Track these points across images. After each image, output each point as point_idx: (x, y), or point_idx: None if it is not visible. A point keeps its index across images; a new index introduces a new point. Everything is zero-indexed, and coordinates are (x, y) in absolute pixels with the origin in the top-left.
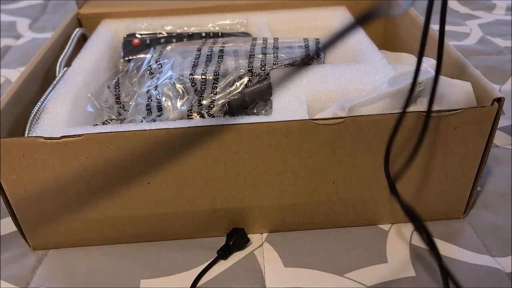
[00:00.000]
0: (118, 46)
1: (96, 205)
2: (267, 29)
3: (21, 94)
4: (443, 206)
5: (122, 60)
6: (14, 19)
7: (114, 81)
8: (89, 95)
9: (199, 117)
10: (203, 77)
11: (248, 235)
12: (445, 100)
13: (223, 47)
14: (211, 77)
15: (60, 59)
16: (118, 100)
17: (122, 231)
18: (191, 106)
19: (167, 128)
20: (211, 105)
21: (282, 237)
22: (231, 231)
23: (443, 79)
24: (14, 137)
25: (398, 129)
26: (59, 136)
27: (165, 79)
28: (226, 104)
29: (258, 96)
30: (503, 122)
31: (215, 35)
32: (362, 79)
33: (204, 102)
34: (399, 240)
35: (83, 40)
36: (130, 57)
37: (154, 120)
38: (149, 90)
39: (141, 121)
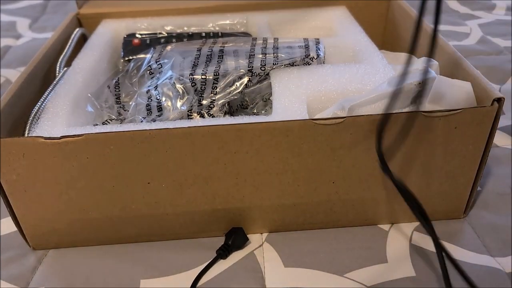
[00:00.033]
0: (118, 46)
1: (96, 205)
2: (267, 29)
3: (21, 94)
4: (443, 206)
5: (122, 60)
6: (14, 19)
7: (114, 81)
8: (89, 95)
9: (199, 117)
10: (203, 77)
11: (248, 235)
12: (445, 100)
13: (223, 47)
14: (211, 77)
15: (60, 59)
16: (118, 100)
17: (122, 231)
18: (191, 106)
19: (167, 128)
20: (211, 105)
21: (282, 237)
22: (229, 230)
23: (443, 79)
24: (14, 137)
25: (394, 102)
26: (59, 136)
27: (165, 79)
28: (226, 104)
29: (258, 96)
30: (503, 122)
31: (215, 35)
32: (362, 79)
33: (204, 102)
34: (399, 240)
35: (83, 40)
36: (130, 57)
37: (154, 120)
38: (149, 90)
39: (141, 121)
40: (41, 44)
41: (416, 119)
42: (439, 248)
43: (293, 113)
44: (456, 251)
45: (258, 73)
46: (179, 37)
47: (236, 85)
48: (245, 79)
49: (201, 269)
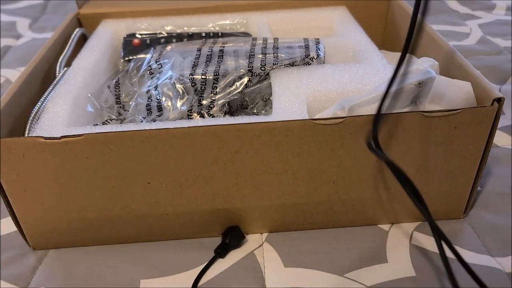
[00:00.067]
0: (118, 46)
1: (96, 205)
2: (267, 29)
3: (21, 94)
4: (443, 206)
5: (122, 60)
6: (14, 19)
7: (114, 81)
8: (89, 95)
9: (199, 117)
10: (203, 77)
11: (248, 235)
12: (445, 100)
13: (223, 47)
14: (211, 77)
15: (60, 59)
16: (118, 100)
17: (122, 231)
18: (191, 106)
19: (167, 128)
20: (211, 105)
21: (282, 237)
22: (226, 229)
23: (443, 79)
24: (14, 137)
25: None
26: (59, 136)
27: (165, 79)
28: (226, 104)
29: (258, 96)
30: (503, 122)
31: (215, 35)
32: (362, 79)
33: (204, 102)
34: (399, 240)
35: (83, 40)
36: (130, 57)
37: (154, 120)
38: (149, 90)
39: (141, 121)
40: (41, 44)
41: (416, 119)
42: (436, 230)
43: (293, 113)
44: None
45: (258, 73)
46: (179, 37)
47: (236, 85)
48: (245, 79)
49: (201, 269)
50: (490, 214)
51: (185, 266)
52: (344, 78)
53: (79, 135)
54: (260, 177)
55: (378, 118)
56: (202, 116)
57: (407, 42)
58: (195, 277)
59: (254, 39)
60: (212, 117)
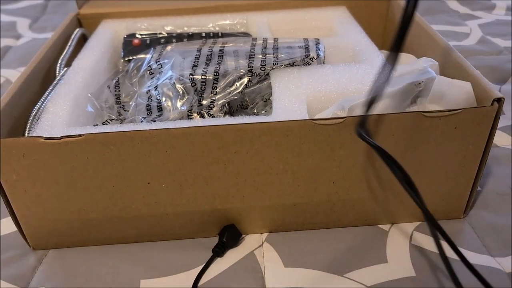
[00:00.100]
0: (118, 46)
1: (96, 205)
2: (267, 29)
3: (21, 94)
4: (443, 206)
5: (122, 60)
6: (14, 19)
7: (114, 81)
8: (89, 95)
9: (199, 117)
10: (203, 77)
11: (248, 235)
12: (445, 100)
13: (223, 47)
14: (211, 77)
15: (60, 59)
16: (118, 100)
17: (122, 231)
18: (191, 106)
19: (167, 128)
20: (211, 105)
21: (282, 237)
22: (222, 229)
23: (443, 79)
24: (14, 137)
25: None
26: (59, 136)
27: (165, 79)
28: (226, 104)
29: (258, 96)
30: (503, 122)
31: (215, 35)
32: (362, 79)
33: (204, 102)
34: (399, 240)
35: (83, 40)
36: (130, 57)
37: (154, 120)
38: (149, 90)
39: (141, 121)
40: (41, 44)
41: (416, 119)
42: (428, 216)
43: (293, 113)
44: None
45: (258, 73)
46: (179, 37)
47: (236, 85)
48: (245, 79)
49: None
50: (490, 214)
51: (185, 266)
52: (344, 78)
53: (79, 135)
54: (260, 177)
55: (367, 105)
56: (202, 116)
57: (397, 41)
58: (195, 277)
59: (254, 39)
60: (212, 117)
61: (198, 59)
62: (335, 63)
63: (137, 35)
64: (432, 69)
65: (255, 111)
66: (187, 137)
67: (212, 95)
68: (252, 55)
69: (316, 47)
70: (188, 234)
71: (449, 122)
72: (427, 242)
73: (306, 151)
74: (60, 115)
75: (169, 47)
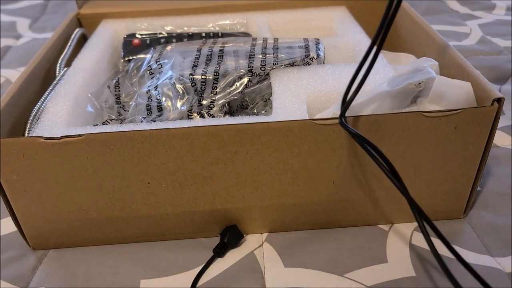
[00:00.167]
0: (118, 46)
1: (96, 205)
2: (267, 29)
3: (21, 94)
4: (443, 206)
5: (122, 60)
6: (14, 19)
7: (114, 81)
8: (89, 95)
9: (199, 117)
10: (203, 77)
11: (248, 235)
12: (445, 100)
13: (223, 47)
14: (211, 77)
15: (60, 59)
16: (118, 100)
17: (122, 231)
18: (191, 106)
19: (167, 128)
20: (211, 105)
21: (282, 237)
22: (224, 229)
23: (443, 79)
24: (14, 137)
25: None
26: (59, 136)
27: (165, 79)
28: (226, 104)
29: (258, 96)
30: (503, 122)
31: (215, 35)
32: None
33: (204, 102)
34: (399, 240)
35: (83, 40)
36: (130, 57)
37: (154, 120)
38: (149, 90)
39: (141, 121)
40: (41, 44)
41: (416, 119)
42: (411, 202)
43: (293, 113)
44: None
45: (258, 73)
46: (179, 37)
47: (236, 85)
48: (245, 79)
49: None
50: (490, 214)
51: (185, 266)
52: (344, 78)
53: (79, 135)
54: (260, 177)
55: (346, 95)
56: (202, 116)
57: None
58: (194, 277)
59: (254, 39)
60: (212, 117)
61: (198, 59)
62: (335, 63)
63: (137, 35)
64: (432, 69)
65: (255, 111)
66: (187, 137)
67: (212, 95)
68: (252, 55)
69: (316, 47)
70: (188, 234)
71: (449, 122)
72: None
73: (306, 151)
74: (60, 115)
75: (169, 47)
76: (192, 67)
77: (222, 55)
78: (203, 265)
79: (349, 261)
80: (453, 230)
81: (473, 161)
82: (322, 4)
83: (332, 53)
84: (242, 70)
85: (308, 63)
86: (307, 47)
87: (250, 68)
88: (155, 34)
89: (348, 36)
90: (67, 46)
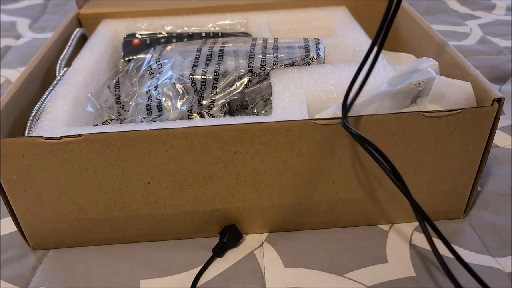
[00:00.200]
0: (118, 46)
1: (96, 205)
2: (267, 29)
3: (21, 94)
4: (443, 206)
5: (122, 60)
6: (14, 19)
7: (114, 81)
8: (89, 95)
9: (199, 117)
10: (203, 77)
11: (248, 235)
12: (445, 100)
13: (223, 47)
14: (211, 77)
15: (60, 59)
16: (118, 100)
17: (122, 231)
18: (191, 106)
19: (167, 128)
20: (211, 105)
21: (282, 237)
22: (223, 228)
23: (443, 79)
24: (14, 137)
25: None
26: (59, 136)
27: (165, 79)
28: (226, 104)
29: (258, 96)
30: (503, 122)
31: (215, 35)
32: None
33: (204, 102)
34: (399, 240)
35: (83, 40)
36: (130, 57)
37: (154, 120)
38: (149, 90)
39: (141, 121)
40: (41, 44)
41: (416, 119)
42: (412, 202)
43: (293, 113)
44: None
45: (258, 73)
46: (179, 37)
47: (236, 85)
48: (245, 79)
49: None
50: (490, 214)
51: (185, 266)
52: (344, 78)
53: (79, 135)
54: (260, 177)
55: (347, 96)
56: (202, 116)
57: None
58: (194, 277)
59: (254, 39)
60: (212, 117)
61: (198, 59)
62: (335, 63)
63: (137, 35)
64: (432, 69)
65: (255, 111)
66: (187, 137)
67: (212, 95)
68: (252, 55)
69: (316, 47)
70: (188, 234)
71: (449, 122)
72: (427, 242)
73: (306, 151)
74: (60, 115)
75: (169, 47)
76: (192, 67)
77: (222, 55)
78: (203, 265)
79: (349, 261)
80: (453, 230)
81: (473, 161)
82: (322, 4)
83: (332, 53)
84: (242, 70)
85: (308, 63)
86: (307, 47)
87: (250, 68)
88: (155, 34)
89: (348, 36)
90: (67, 46)
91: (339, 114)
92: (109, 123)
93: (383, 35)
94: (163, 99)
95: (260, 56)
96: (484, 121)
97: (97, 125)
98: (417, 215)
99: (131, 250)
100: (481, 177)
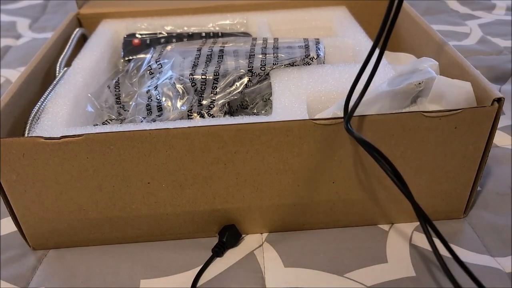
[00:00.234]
0: (118, 46)
1: (96, 205)
2: (267, 29)
3: (21, 94)
4: (443, 206)
5: (122, 60)
6: (14, 19)
7: (114, 81)
8: (89, 95)
9: (199, 117)
10: (203, 77)
11: (248, 235)
12: (445, 100)
13: (223, 47)
14: (211, 77)
15: (60, 59)
16: (118, 100)
17: (122, 231)
18: (191, 106)
19: (167, 128)
20: (211, 105)
21: (282, 237)
22: (222, 228)
23: (443, 79)
24: (14, 137)
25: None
26: (59, 136)
27: (165, 79)
28: (226, 104)
29: (258, 96)
30: (503, 122)
31: (215, 35)
32: (362, 79)
33: (204, 102)
34: (399, 240)
35: (83, 40)
36: (130, 57)
37: (154, 120)
38: (149, 90)
39: (141, 121)
40: (41, 44)
41: (416, 119)
42: (414, 204)
43: (293, 113)
44: (456, 251)
45: (258, 73)
46: (179, 37)
47: (236, 85)
48: (245, 79)
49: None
50: (490, 214)
51: (185, 266)
52: (344, 78)
53: (79, 135)
54: (260, 177)
55: (349, 99)
56: (202, 116)
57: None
58: (194, 277)
59: (254, 39)
60: (212, 117)
61: (198, 59)
62: (335, 63)
63: (137, 35)
64: (432, 69)
65: (255, 111)
66: (187, 137)
67: (212, 95)
68: (252, 55)
69: (316, 47)
70: (188, 234)
71: (449, 122)
72: (427, 242)
73: (306, 151)
74: (60, 115)
75: (169, 47)
76: (192, 67)
77: (222, 55)
78: (203, 265)
79: (349, 261)
80: (453, 230)
81: (473, 161)
82: (322, 4)
83: (332, 53)
84: (242, 70)
85: (308, 63)
86: (307, 47)
87: (250, 68)
88: (155, 34)
89: (348, 36)
90: (67, 46)
91: (339, 114)
92: (109, 123)
93: (384, 39)
94: (163, 99)
95: (260, 56)
96: (484, 121)
97: (97, 125)
98: (419, 218)
99: (131, 250)
100: (481, 177)
